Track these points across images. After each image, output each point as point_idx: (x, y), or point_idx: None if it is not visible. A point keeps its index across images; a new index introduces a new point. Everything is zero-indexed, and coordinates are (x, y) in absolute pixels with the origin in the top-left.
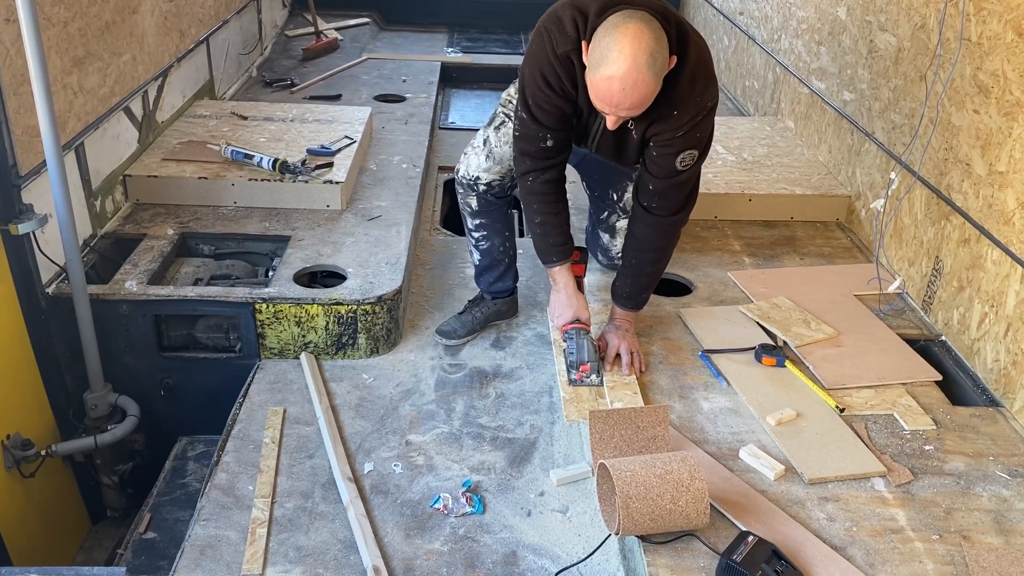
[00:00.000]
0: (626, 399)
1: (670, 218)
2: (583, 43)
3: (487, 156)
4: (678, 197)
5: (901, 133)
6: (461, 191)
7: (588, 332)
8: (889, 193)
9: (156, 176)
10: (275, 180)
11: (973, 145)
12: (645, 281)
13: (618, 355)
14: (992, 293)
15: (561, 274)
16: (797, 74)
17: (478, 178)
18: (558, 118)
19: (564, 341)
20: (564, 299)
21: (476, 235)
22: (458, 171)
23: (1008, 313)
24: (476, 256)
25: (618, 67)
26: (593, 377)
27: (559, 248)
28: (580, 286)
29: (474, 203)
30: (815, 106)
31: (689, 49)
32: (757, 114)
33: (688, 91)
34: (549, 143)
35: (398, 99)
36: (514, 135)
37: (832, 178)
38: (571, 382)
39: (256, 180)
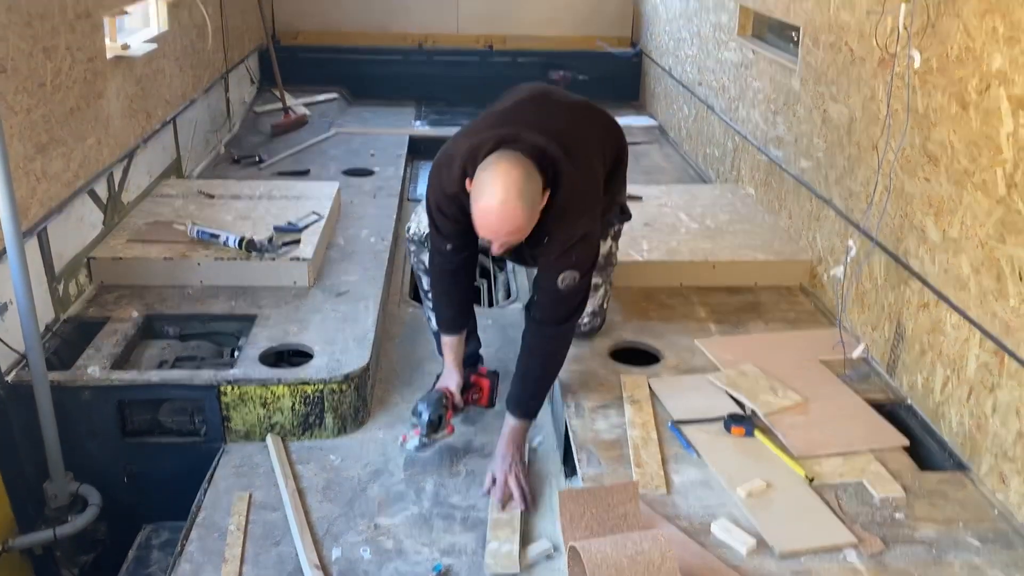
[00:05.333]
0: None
1: (554, 327)
2: (467, 180)
3: None
4: (560, 310)
5: (858, 200)
6: (413, 248)
7: (447, 397)
8: (848, 261)
9: (121, 258)
10: (242, 259)
11: (927, 212)
12: (533, 388)
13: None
14: (953, 357)
15: (445, 345)
16: (755, 142)
17: (428, 234)
18: (456, 232)
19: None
20: (444, 369)
21: (432, 295)
22: (409, 229)
23: (969, 377)
24: (434, 321)
25: (492, 200)
26: (413, 442)
27: (444, 321)
28: (483, 399)
29: (427, 260)
30: (774, 173)
31: (561, 184)
32: (718, 180)
33: (557, 221)
34: (449, 247)
35: (367, 173)
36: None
37: (793, 243)
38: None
39: (222, 259)
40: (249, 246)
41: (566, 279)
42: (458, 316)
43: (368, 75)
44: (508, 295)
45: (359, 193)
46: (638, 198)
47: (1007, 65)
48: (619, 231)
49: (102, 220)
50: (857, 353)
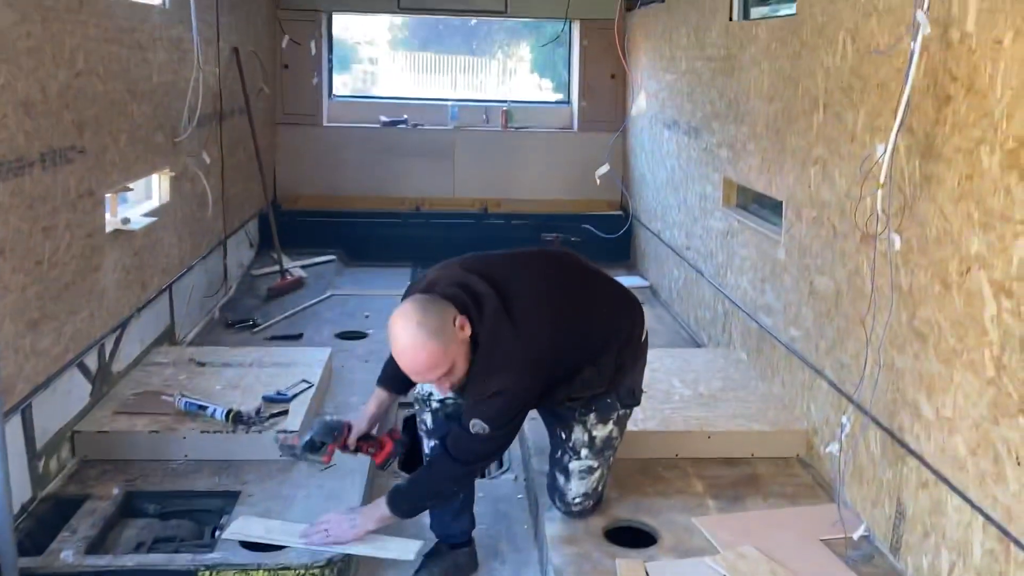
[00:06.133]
0: None
1: (453, 462)
2: None
3: None
4: (463, 448)
5: (849, 372)
6: (416, 408)
7: (344, 433)
8: (843, 437)
9: (106, 432)
10: (228, 432)
11: (919, 389)
12: (414, 492)
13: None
14: (957, 541)
15: (375, 394)
16: (745, 308)
17: (431, 394)
18: None
19: None
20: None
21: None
22: (414, 389)
23: (976, 563)
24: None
25: (397, 344)
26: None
27: (387, 377)
28: (378, 456)
29: (429, 420)
30: (765, 340)
31: (481, 338)
32: (711, 344)
33: (474, 374)
34: None
35: (360, 336)
36: None
37: (788, 412)
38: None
39: (208, 432)
40: (236, 419)
41: (476, 426)
42: (403, 381)
43: (366, 237)
44: (500, 464)
45: (351, 358)
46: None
47: (985, 250)
48: (624, 416)
49: (89, 392)
50: (859, 533)
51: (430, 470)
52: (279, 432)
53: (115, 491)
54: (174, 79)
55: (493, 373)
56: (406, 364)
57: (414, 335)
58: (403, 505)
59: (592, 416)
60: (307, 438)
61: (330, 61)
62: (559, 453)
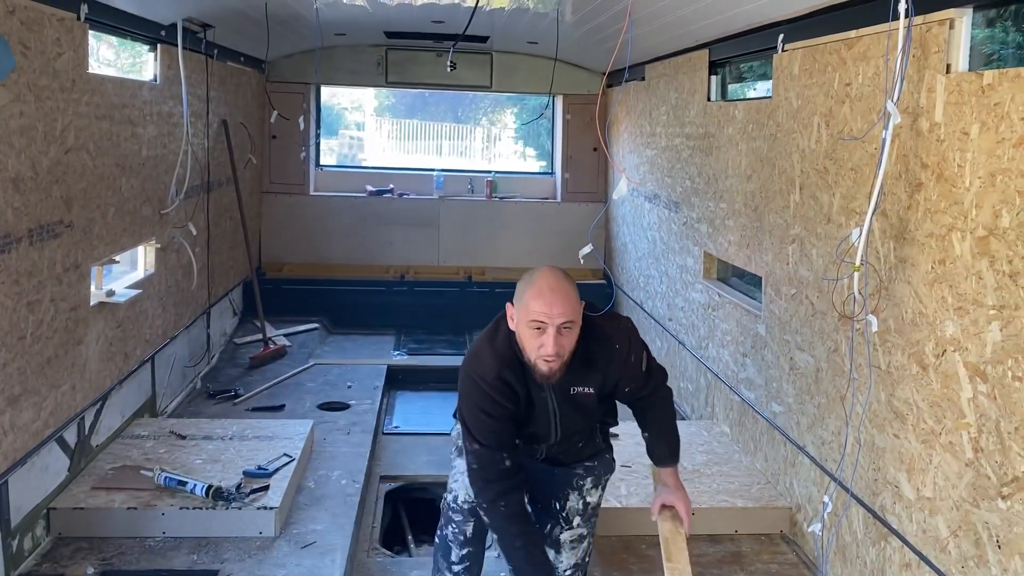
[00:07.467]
0: None
1: (662, 393)
2: (508, 304)
3: None
4: (656, 381)
5: (831, 450)
6: (459, 519)
7: None
8: (825, 516)
9: (82, 508)
10: (208, 507)
11: (899, 468)
12: (672, 437)
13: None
14: None
15: None
16: (727, 381)
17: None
18: (507, 439)
19: None
20: None
21: (457, 568)
22: (456, 498)
23: None
24: None
25: (540, 282)
26: None
27: (547, 567)
28: None
29: (470, 530)
30: (747, 414)
31: (592, 318)
32: (693, 416)
33: (612, 328)
34: (507, 463)
35: (342, 407)
36: (471, 469)
37: (771, 488)
38: None
39: (188, 508)
40: (216, 495)
41: (644, 363)
42: (548, 561)
43: (350, 304)
44: None
45: (333, 430)
46: (614, 435)
47: (959, 333)
48: (608, 480)
49: (68, 467)
50: None
51: (660, 417)
52: None
53: (89, 571)
54: (163, 152)
55: (619, 323)
56: (554, 298)
57: (564, 280)
58: (677, 451)
59: (589, 481)
60: None
61: (318, 135)
62: (549, 527)
